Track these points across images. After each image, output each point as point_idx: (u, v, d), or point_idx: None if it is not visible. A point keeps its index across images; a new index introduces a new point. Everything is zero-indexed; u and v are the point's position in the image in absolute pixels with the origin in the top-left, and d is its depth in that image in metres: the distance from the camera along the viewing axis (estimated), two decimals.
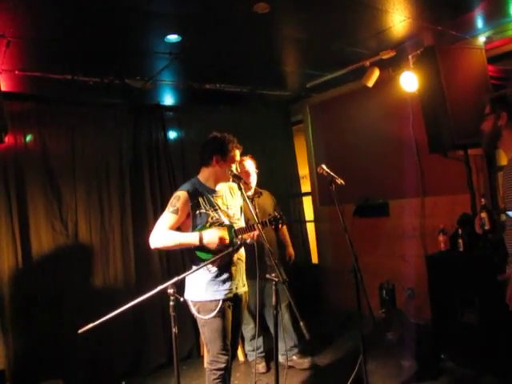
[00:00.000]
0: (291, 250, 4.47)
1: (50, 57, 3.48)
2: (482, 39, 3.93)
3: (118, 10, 2.82)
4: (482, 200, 2.92)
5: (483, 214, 2.72)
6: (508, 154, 2.46)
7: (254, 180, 4.12)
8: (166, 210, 2.88)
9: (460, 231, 3.78)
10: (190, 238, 2.80)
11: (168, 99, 5.02)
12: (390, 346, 3.84)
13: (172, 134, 5.14)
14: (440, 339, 3.85)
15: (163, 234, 2.81)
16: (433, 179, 4.64)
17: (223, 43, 3.62)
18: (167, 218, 2.84)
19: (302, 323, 2.12)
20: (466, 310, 3.58)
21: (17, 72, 3.56)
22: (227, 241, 2.79)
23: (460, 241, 3.76)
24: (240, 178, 2.78)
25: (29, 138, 4.18)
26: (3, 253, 3.90)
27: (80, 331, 2.15)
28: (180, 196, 2.86)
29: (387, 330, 4.14)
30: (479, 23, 3.73)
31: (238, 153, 2.99)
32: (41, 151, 4.21)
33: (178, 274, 2.41)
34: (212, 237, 2.76)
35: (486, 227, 2.71)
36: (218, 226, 2.88)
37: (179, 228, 2.90)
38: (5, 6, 2.55)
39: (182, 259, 4.53)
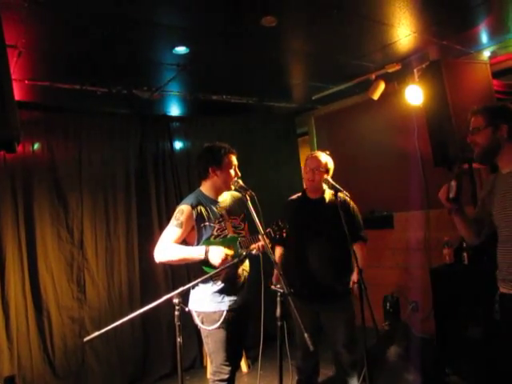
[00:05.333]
0: (354, 276, 3.09)
1: (59, 67, 3.53)
2: (486, 54, 3.99)
3: (127, 22, 2.86)
4: (457, 168, 2.82)
5: (453, 183, 2.64)
6: (506, 167, 2.37)
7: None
8: (170, 223, 2.85)
9: (465, 244, 3.78)
10: (196, 251, 2.78)
11: (174, 110, 5.05)
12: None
13: (178, 145, 5.17)
14: (444, 353, 3.83)
15: (168, 249, 2.78)
16: (437, 192, 4.62)
17: (230, 56, 3.67)
18: (171, 231, 2.82)
19: (306, 335, 2.11)
20: (471, 324, 3.56)
21: (26, 81, 3.61)
22: (228, 261, 2.73)
23: (465, 254, 3.76)
24: (246, 190, 2.74)
25: (36, 146, 4.22)
26: (9, 259, 3.92)
27: (85, 339, 2.19)
28: (184, 210, 2.84)
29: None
30: (484, 38, 3.79)
31: (233, 157, 2.98)
32: (48, 160, 4.25)
33: (183, 284, 2.42)
34: (217, 253, 2.71)
35: (451, 195, 2.63)
36: (223, 237, 2.89)
37: (185, 241, 2.89)
38: (18, 18, 2.59)
39: (187, 269, 4.53)
